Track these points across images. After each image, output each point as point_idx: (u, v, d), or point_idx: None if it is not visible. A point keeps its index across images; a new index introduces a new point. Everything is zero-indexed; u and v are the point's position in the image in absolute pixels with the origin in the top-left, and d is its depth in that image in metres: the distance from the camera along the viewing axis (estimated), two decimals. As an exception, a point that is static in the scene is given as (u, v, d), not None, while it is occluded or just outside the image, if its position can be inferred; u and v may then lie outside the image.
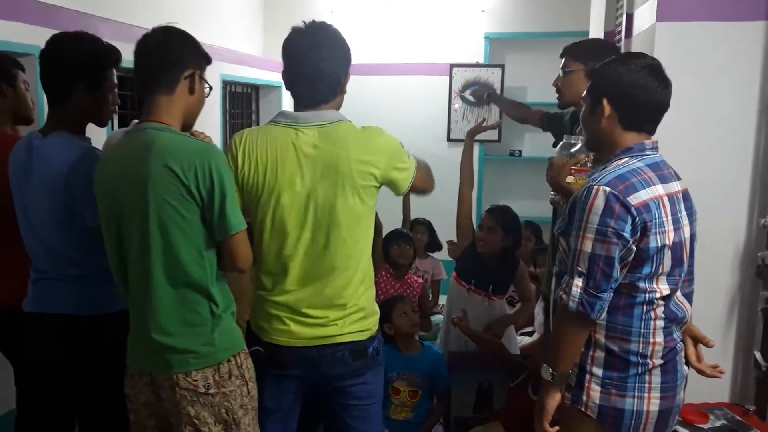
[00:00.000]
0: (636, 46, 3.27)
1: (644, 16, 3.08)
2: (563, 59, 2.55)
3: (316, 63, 1.92)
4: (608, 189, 1.66)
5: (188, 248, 1.76)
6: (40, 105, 2.96)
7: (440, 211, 4.50)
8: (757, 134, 2.81)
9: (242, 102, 5.80)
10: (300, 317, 1.96)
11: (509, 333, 3.39)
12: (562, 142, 2.23)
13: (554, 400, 1.81)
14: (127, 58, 2.14)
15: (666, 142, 2.51)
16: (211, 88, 1.96)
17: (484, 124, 3.49)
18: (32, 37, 2.97)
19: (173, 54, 1.82)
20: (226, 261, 1.84)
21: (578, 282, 1.69)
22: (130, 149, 1.78)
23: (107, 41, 2.16)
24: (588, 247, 1.67)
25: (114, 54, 2.14)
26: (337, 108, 2.01)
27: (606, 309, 1.71)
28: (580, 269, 1.69)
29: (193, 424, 1.78)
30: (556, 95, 2.59)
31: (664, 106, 1.79)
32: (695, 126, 2.81)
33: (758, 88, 2.79)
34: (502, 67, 5.98)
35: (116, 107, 2.24)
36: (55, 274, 2.09)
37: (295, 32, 1.97)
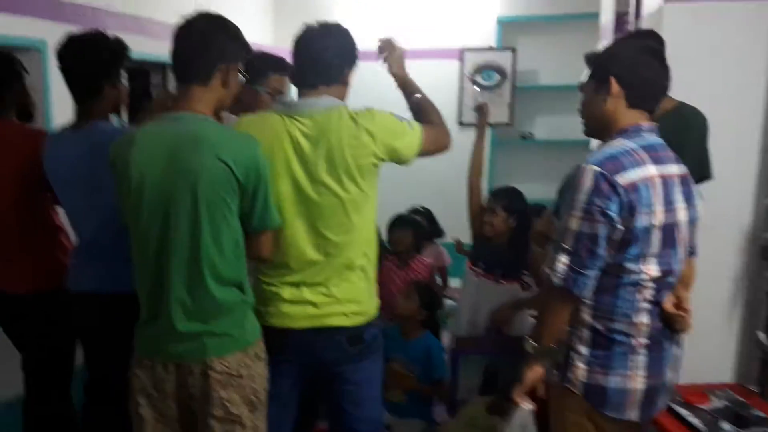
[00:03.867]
0: (645, 27, 3.25)
1: (654, -3, 3.06)
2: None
3: (320, 50, 1.97)
4: (597, 168, 1.67)
5: (230, 240, 1.79)
6: (47, 101, 3.03)
7: (451, 195, 4.51)
8: (765, 115, 2.80)
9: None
10: (295, 299, 2.00)
11: (522, 317, 3.39)
12: None
13: (535, 372, 1.85)
14: (133, 49, 2.21)
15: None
16: (246, 78, 1.98)
17: (476, 107, 3.45)
18: (38, 30, 2.99)
19: (212, 46, 1.81)
20: (254, 251, 1.90)
21: (563, 259, 1.72)
22: (176, 140, 1.76)
23: (112, 33, 2.25)
24: (574, 225, 1.70)
25: (125, 47, 2.25)
26: (339, 97, 2.02)
27: (590, 286, 1.73)
28: (565, 246, 1.72)
29: (224, 407, 1.81)
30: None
31: (664, 88, 1.82)
32: (702, 106, 2.79)
33: (765, 71, 2.76)
34: (514, 50, 5.94)
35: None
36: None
37: (308, 27, 2.02)
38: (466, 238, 3.55)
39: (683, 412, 2.39)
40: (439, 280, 4.24)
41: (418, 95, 2.19)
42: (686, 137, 2.23)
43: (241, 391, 1.83)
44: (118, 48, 2.24)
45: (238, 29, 1.89)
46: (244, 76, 1.96)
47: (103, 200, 2.10)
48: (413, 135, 2.04)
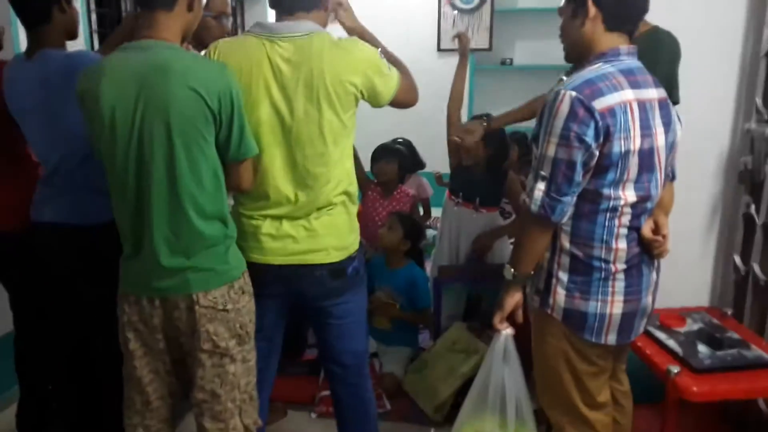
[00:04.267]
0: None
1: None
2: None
3: None
4: (574, 93, 1.66)
5: (208, 171, 1.77)
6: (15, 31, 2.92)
7: (430, 126, 4.47)
8: (744, 38, 2.76)
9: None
10: (275, 233, 1.99)
11: (503, 245, 3.43)
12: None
13: (513, 298, 1.89)
14: None
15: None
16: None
17: (455, 35, 3.35)
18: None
19: None
20: (233, 182, 1.88)
21: (540, 186, 1.72)
22: (144, 68, 1.70)
23: None
24: (551, 151, 1.69)
25: None
26: (319, 24, 1.97)
27: (568, 213, 1.74)
28: (543, 173, 1.72)
29: (211, 340, 1.83)
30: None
31: (643, 9, 1.79)
32: (682, 30, 2.74)
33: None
34: (494, -28, 5.80)
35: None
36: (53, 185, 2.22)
37: None
38: (446, 169, 3.54)
39: (660, 335, 2.44)
40: (421, 210, 4.26)
41: (379, 49, 2.09)
42: (656, 59, 2.20)
43: (227, 324, 1.84)
44: None
45: None
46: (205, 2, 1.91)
47: (61, 130, 2.09)
48: (392, 77, 2.01)
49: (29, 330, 2.57)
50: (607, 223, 1.76)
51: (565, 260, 1.81)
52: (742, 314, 2.74)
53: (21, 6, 2.18)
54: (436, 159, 4.40)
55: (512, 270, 1.86)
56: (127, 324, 1.87)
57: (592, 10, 1.74)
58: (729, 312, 2.73)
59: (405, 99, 2.09)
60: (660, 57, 2.29)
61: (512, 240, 3.61)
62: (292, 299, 2.10)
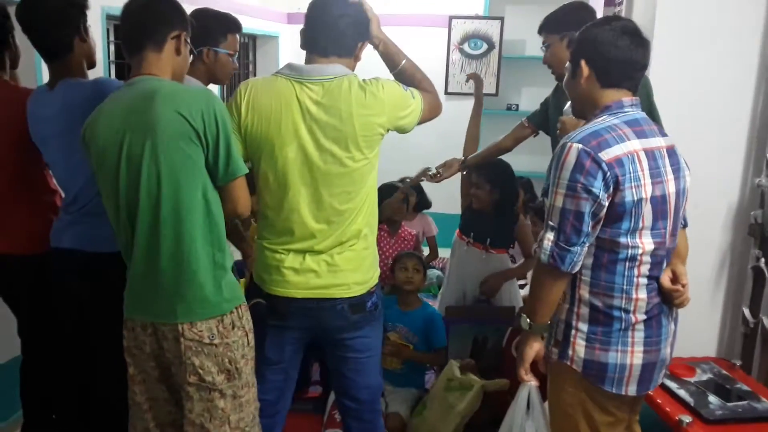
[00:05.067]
0: (638, 7, 3.24)
1: (647, -25, 3.05)
2: (541, 36, 2.61)
3: (337, 16, 1.97)
4: (580, 146, 1.70)
5: (196, 194, 1.78)
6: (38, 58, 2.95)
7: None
8: (755, 92, 2.82)
9: (240, 52, 5.73)
10: (299, 268, 2.00)
11: (511, 288, 3.43)
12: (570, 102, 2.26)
13: (532, 349, 1.89)
14: (122, 6, 2.17)
15: (663, 97, 2.54)
16: (193, 53, 1.99)
17: (468, 76, 3.44)
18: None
19: (159, 14, 1.86)
20: (229, 206, 1.88)
21: (550, 236, 1.75)
22: (132, 99, 1.78)
23: None
24: (559, 202, 1.73)
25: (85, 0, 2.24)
26: (349, 68, 2.02)
27: (578, 263, 1.76)
28: (551, 223, 1.75)
29: (197, 374, 1.82)
30: (551, 72, 2.63)
31: (638, 64, 1.83)
32: (693, 82, 2.82)
33: (759, 45, 2.78)
34: (502, 19, 5.92)
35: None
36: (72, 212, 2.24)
37: None
38: (453, 208, 3.57)
39: (671, 384, 2.45)
40: (426, 249, 4.28)
41: (403, 60, 2.15)
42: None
43: (215, 359, 1.83)
44: (77, 0, 2.21)
45: (179, 4, 1.92)
46: (193, 50, 1.98)
47: (80, 159, 2.09)
48: (416, 104, 2.06)
49: (36, 357, 2.55)
50: (626, 273, 1.78)
51: (585, 311, 1.81)
52: (750, 366, 2.76)
53: (42, 40, 2.21)
54: (443, 198, 4.44)
55: (528, 320, 1.87)
56: (126, 349, 1.90)
57: (585, 69, 1.81)
58: (737, 363, 2.74)
59: (429, 117, 2.14)
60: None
61: (520, 282, 3.64)
62: (312, 333, 2.11)
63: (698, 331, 2.88)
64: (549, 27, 2.58)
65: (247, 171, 1.88)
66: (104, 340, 2.18)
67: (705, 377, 2.54)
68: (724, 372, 2.60)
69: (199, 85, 2.26)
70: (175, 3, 1.91)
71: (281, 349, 2.07)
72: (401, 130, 2.07)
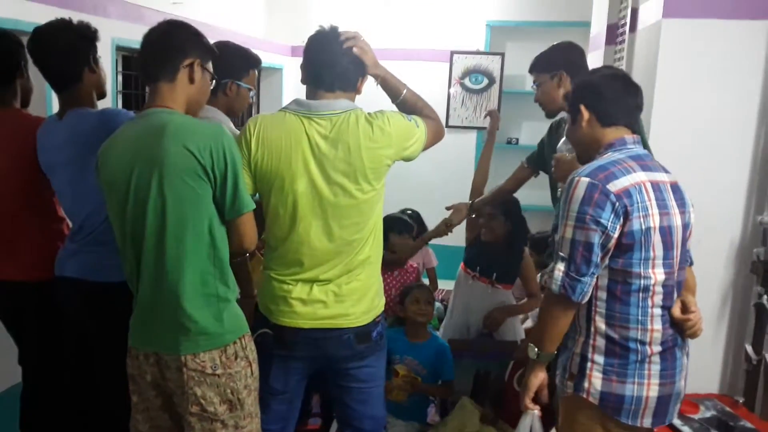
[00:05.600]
0: (641, 42, 3.30)
1: (650, 12, 3.11)
2: (532, 75, 2.67)
3: (340, 53, 2.01)
4: (588, 179, 1.75)
5: (202, 228, 1.79)
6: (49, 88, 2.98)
7: (439, 195, 4.53)
8: (757, 132, 2.87)
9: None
10: (306, 299, 2.01)
11: (514, 324, 3.42)
12: (564, 138, 2.30)
13: (538, 378, 1.91)
14: (131, 37, 2.20)
15: (666, 137, 2.58)
16: (214, 79, 2.00)
17: (487, 113, 3.49)
18: (36, 15, 2.93)
19: (173, 43, 1.87)
20: (235, 241, 1.88)
21: (560, 266, 1.78)
22: (142, 131, 1.80)
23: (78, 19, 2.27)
24: (569, 233, 1.77)
25: (94, 30, 2.26)
26: (352, 102, 2.06)
27: (588, 292, 1.78)
28: (562, 254, 1.79)
29: (199, 404, 1.82)
30: (542, 109, 2.68)
31: (633, 102, 1.92)
32: (695, 122, 2.86)
33: (760, 86, 2.84)
34: (502, 55, 6.00)
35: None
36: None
37: (321, 30, 2.05)
38: (452, 239, 3.57)
39: (675, 421, 2.44)
40: (426, 280, 4.27)
41: (404, 90, 2.18)
42: None
43: (217, 389, 1.83)
44: (90, 32, 2.24)
45: (199, 32, 1.95)
46: (213, 76, 1.99)
47: (89, 187, 2.10)
48: (420, 133, 2.09)
49: (37, 386, 2.52)
50: (640, 304, 1.80)
51: (601, 343, 1.83)
52: (753, 403, 2.75)
53: (51, 71, 2.23)
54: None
55: (536, 349, 1.89)
56: (129, 377, 1.91)
57: (585, 113, 1.89)
58: (740, 400, 2.74)
59: (434, 142, 2.17)
60: None
61: (521, 317, 3.63)
62: (317, 363, 2.11)
63: (701, 367, 2.88)
64: (539, 66, 2.63)
65: (254, 207, 1.90)
66: (108, 368, 2.17)
67: (709, 414, 2.54)
68: (728, 409, 2.60)
69: (219, 116, 2.28)
70: (191, 31, 1.93)
71: (286, 379, 2.07)
72: (407, 159, 2.10)
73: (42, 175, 2.30)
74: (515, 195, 3.37)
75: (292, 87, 5.90)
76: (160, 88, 1.85)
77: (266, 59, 5.59)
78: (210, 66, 1.96)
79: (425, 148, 2.14)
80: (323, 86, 2.02)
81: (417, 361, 3.12)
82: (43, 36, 2.20)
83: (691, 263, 2.01)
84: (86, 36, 2.23)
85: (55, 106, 2.33)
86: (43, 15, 2.91)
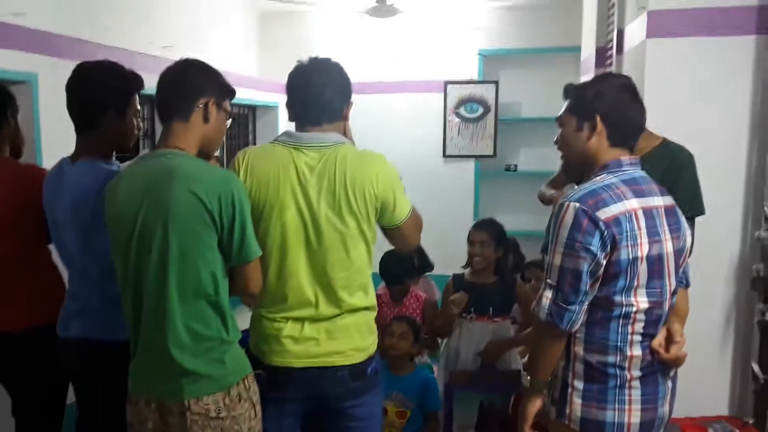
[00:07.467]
0: (627, 62, 3.31)
1: (635, 32, 3.12)
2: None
3: (320, 86, 2.00)
4: (578, 205, 1.71)
5: (206, 273, 1.78)
6: (37, 135, 2.99)
7: (436, 225, 4.50)
8: (749, 146, 2.85)
9: (239, 123, 5.82)
10: (298, 337, 1.99)
11: (511, 352, 3.37)
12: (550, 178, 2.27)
13: (534, 406, 1.88)
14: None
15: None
16: (232, 118, 1.99)
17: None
18: (28, 64, 2.95)
19: (188, 82, 1.87)
20: (239, 285, 1.88)
21: (548, 294, 1.76)
22: (151, 174, 1.79)
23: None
24: (557, 260, 1.73)
25: (137, 80, 2.21)
26: (339, 132, 2.06)
27: (578, 321, 1.75)
28: (550, 282, 1.76)
29: None
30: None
31: (642, 126, 1.88)
32: (686, 140, 2.83)
33: (749, 101, 2.83)
34: (496, 83, 6.02)
35: (139, 132, 2.30)
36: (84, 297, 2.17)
37: (300, 65, 2.06)
38: (454, 268, 3.53)
39: (683, 446, 2.39)
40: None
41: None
42: (680, 176, 2.26)
43: None
44: (129, 79, 2.17)
45: (217, 70, 1.94)
46: (230, 116, 1.98)
47: (92, 243, 2.08)
48: (407, 202, 2.08)
49: None
50: (620, 330, 1.76)
51: (580, 368, 1.80)
52: (764, 423, 2.69)
53: (73, 107, 2.14)
54: (443, 260, 4.41)
55: (529, 378, 1.86)
56: (129, 424, 1.88)
57: (600, 126, 1.81)
58: (750, 421, 2.67)
59: (410, 232, 2.12)
60: (683, 175, 2.31)
61: (520, 349, 3.58)
62: (311, 403, 2.07)
63: (708, 389, 2.83)
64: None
65: (261, 253, 1.89)
66: (107, 417, 2.14)
67: (718, 437, 2.48)
68: (737, 431, 2.54)
69: None
70: (208, 70, 1.92)
71: (281, 421, 2.04)
72: (387, 216, 2.02)
73: (44, 224, 2.25)
74: (510, 223, 3.34)
75: (288, 124, 5.88)
76: (174, 128, 1.86)
77: (261, 98, 5.64)
78: (227, 105, 1.95)
79: (402, 230, 2.08)
80: (309, 122, 2.03)
81: (402, 395, 3.09)
82: (79, 72, 2.15)
83: (687, 285, 1.97)
84: (123, 81, 2.16)
85: (47, 160, 2.29)
86: (31, 64, 2.96)
